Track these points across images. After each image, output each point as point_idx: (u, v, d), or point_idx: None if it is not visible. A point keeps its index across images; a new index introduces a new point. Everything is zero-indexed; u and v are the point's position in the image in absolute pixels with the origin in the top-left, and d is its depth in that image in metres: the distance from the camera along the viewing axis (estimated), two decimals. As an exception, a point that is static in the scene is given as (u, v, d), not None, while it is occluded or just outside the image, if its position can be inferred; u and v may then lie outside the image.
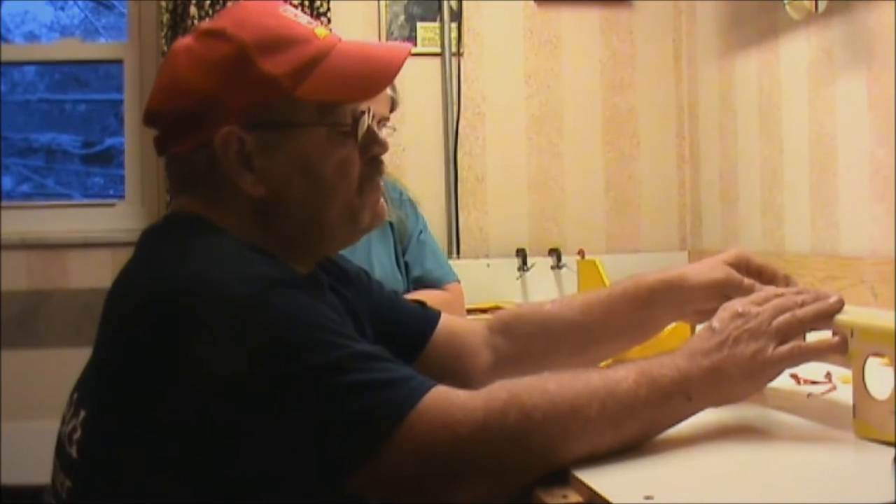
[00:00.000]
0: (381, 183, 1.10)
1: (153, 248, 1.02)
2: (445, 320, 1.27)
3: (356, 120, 1.05)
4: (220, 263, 0.93)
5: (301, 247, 1.05)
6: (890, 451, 0.86)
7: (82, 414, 0.96)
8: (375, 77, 1.04)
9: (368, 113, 1.06)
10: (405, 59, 1.05)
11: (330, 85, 1.01)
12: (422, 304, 1.30)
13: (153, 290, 0.92)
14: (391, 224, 2.21)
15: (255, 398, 0.86)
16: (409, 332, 1.23)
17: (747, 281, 1.17)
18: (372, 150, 1.07)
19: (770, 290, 1.09)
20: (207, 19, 2.71)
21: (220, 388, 0.86)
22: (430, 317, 1.27)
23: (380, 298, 1.24)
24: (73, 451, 0.96)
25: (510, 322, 1.30)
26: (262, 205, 1.02)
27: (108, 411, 0.92)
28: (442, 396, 0.89)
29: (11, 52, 3.33)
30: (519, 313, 1.33)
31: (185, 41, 1.04)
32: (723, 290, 1.17)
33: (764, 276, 1.19)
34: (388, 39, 2.97)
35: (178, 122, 1.02)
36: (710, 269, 1.20)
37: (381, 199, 1.09)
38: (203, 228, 1.00)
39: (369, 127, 1.06)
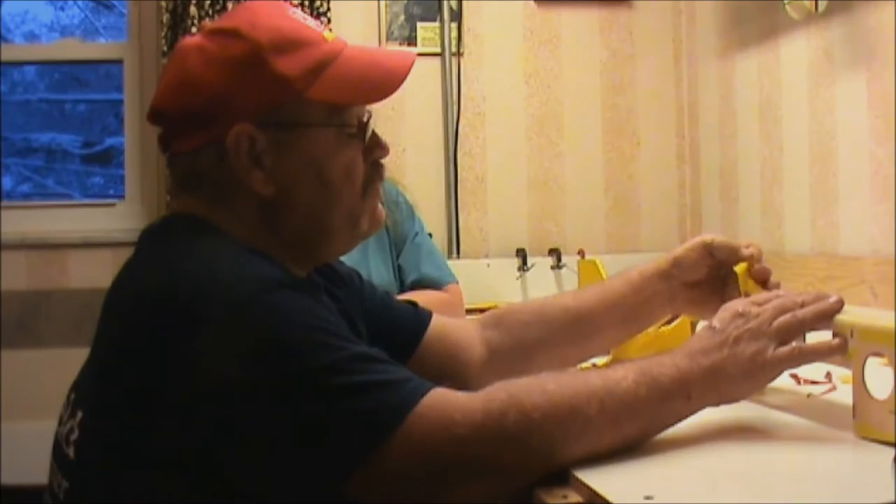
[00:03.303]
0: (381, 188, 1.11)
1: (152, 249, 1.02)
2: (437, 319, 1.27)
3: (362, 123, 1.06)
4: (219, 265, 0.93)
5: (303, 250, 1.06)
6: (890, 450, 0.86)
7: (79, 415, 0.96)
8: (384, 82, 1.05)
9: (371, 118, 1.07)
10: (411, 66, 1.06)
11: (340, 87, 1.02)
12: (413, 304, 1.30)
13: (152, 292, 0.92)
14: (387, 227, 2.19)
15: (253, 400, 0.86)
16: (402, 333, 1.23)
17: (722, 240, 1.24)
18: (375, 153, 1.09)
19: (770, 292, 1.10)
20: (208, 19, 2.72)
21: (219, 390, 0.86)
22: (421, 317, 1.27)
23: (372, 299, 1.25)
24: (71, 452, 0.95)
25: (503, 316, 1.31)
26: (268, 205, 1.02)
27: (106, 412, 0.92)
28: (441, 398, 0.89)
29: (11, 52, 3.33)
30: (512, 307, 1.35)
31: (193, 40, 1.04)
32: (707, 249, 1.24)
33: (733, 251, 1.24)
34: (388, 40, 2.97)
35: (186, 120, 1.02)
36: (690, 241, 1.28)
37: (380, 205, 1.10)
38: (202, 230, 1.00)
39: (374, 131, 1.08)
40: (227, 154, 1.00)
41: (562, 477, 0.89)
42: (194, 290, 0.90)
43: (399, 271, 2.21)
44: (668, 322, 1.38)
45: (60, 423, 1.00)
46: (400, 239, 2.22)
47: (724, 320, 1.01)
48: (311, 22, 1.07)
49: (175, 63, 1.05)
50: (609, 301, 1.27)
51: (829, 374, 1.20)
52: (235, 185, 1.01)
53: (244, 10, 1.07)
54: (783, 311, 1.01)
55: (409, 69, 1.06)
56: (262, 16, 1.04)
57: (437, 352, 1.24)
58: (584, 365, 1.31)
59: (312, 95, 1.01)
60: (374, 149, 1.08)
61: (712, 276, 1.25)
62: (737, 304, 1.03)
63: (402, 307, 1.28)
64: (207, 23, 1.10)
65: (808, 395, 1.18)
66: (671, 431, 0.97)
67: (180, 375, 0.87)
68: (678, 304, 1.28)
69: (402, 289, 2.16)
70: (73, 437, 0.95)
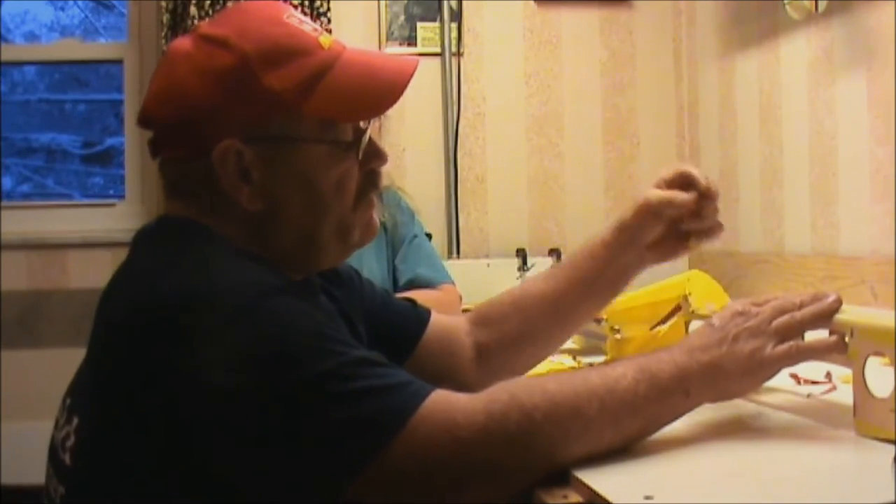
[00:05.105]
0: (376, 198, 1.08)
1: (148, 253, 1.00)
2: (436, 318, 1.27)
3: (358, 135, 1.03)
4: (216, 271, 0.92)
5: (293, 260, 1.04)
6: (890, 449, 0.86)
7: (75, 420, 0.95)
8: (380, 95, 1.02)
9: (371, 126, 1.05)
10: (412, 75, 1.02)
11: (333, 102, 0.99)
12: (412, 302, 1.30)
13: (149, 297, 0.91)
14: (385, 227, 2.19)
15: (252, 407, 0.85)
16: (402, 332, 1.23)
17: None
18: (371, 162, 1.06)
19: (769, 294, 1.10)
20: (207, 19, 2.71)
21: (218, 397, 0.85)
22: (421, 316, 1.26)
23: (371, 298, 1.24)
24: (67, 458, 0.94)
25: (485, 311, 1.30)
26: (257, 218, 1.00)
27: (103, 418, 0.91)
28: (442, 400, 0.88)
29: (11, 52, 3.33)
30: (491, 301, 1.33)
31: (184, 44, 1.01)
32: (653, 214, 1.23)
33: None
34: (388, 40, 2.97)
35: (173, 129, 1.00)
36: (634, 206, 1.25)
37: (374, 216, 1.08)
38: (198, 235, 0.98)
39: (371, 140, 1.05)
40: (214, 167, 0.98)
41: (562, 477, 0.89)
42: (190, 297, 0.89)
43: (395, 271, 2.21)
44: (664, 321, 1.39)
45: (56, 427, 0.99)
46: (398, 240, 2.22)
47: (723, 318, 1.01)
48: (308, 25, 1.03)
49: (164, 69, 1.02)
50: (582, 280, 1.26)
51: (829, 374, 1.20)
52: (224, 197, 0.99)
53: (237, 14, 1.03)
54: (782, 311, 1.01)
55: (410, 79, 1.02)
56: (254, 21, 1.00)
57: (436, 351, 1.24)
58: (584, 364, 1.32)
59: (304, 111, 0.98)
60: (371, 158, 1.05)
61: (670, 228, 1.25)
62: (736, 304, 1.04)
63: (402, 305, 1.28)
64: (201, 23, 1.06)
65: (808, 395, 1.18)
66: (671, 431, 0.97)
67: (177, 383, 0.86)
68: (647, 261, 1.28)
69: (397, 288, 2.16)
70: (69, 443, 0.94)
